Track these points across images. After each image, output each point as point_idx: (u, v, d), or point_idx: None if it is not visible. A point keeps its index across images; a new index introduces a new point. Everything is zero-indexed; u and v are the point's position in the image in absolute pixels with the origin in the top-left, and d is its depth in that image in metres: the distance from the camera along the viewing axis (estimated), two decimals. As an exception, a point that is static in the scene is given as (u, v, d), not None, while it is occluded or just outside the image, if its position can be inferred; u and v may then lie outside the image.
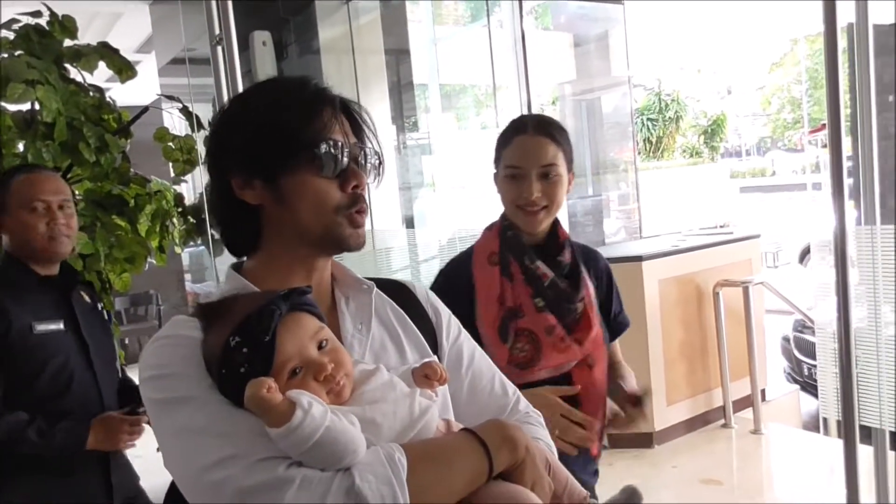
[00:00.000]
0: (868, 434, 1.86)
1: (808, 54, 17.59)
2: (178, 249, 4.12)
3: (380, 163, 0.94)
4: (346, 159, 0.88)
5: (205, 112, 3.45)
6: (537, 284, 1.41)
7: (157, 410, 0.81)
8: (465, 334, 1.07)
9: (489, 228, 1.50)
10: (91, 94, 3.26)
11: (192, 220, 3.83)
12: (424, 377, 0.85)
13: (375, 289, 0.98)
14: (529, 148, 1.41)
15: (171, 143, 3.42)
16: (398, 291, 1.04)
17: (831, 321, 4.35)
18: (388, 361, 0.92)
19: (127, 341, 7.37)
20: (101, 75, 3.40)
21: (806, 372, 4.76)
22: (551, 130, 1.43)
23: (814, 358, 4.74)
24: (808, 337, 4.76)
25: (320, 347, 0.79)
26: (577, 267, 1.46)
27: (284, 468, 0.72)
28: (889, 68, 1.93)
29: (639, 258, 3.74)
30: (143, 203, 3.45)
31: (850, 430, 1.37)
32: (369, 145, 0.93)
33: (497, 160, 1.48)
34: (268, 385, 0.73)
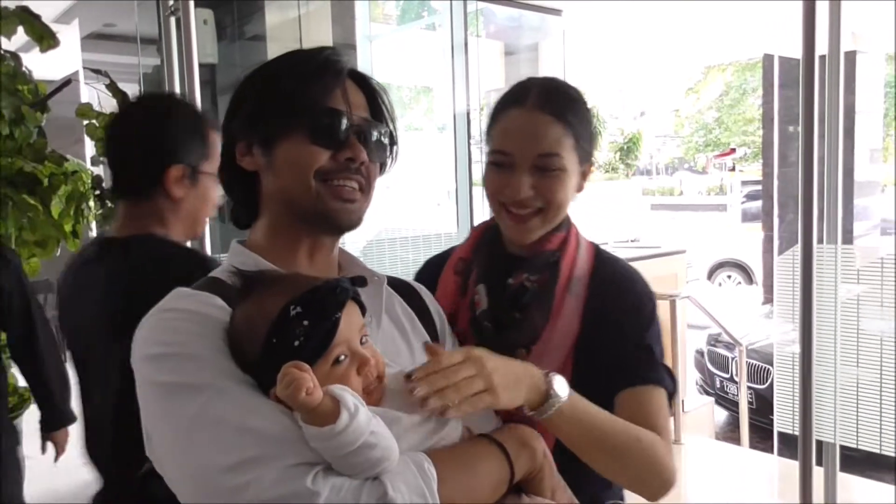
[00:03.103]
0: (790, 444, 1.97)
1: (724, 83, 18.64)
2: (92, 234, 3.85)
3: (391, 143, 0.90)
4: (343, 129, 0.83)
5: (130, 91, 3.23)
6: (472, 313, 1.06)
7: (162, 395, 0.71)
8: (457, 345, 1.02)
9: (479, 225, 1.16)
10: (6, 61, 2.99)
11: (110, 204, 3.58)
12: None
13: (386, 282, 0.93)
14: (524, 128, 1.00)
15: (94, 121, 3.18)
16: (407, 290, 1.00)
17: (746, 334, 4.58)
18: (398, 360, 0.86)
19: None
20: (12, 45, 3.13)
21: (718, 384, 4.98)
22: (560, 105, 1.02)
23: (725, 371, 4.97)
24: (722, 351, 4.99)
25: (361, 342, 0.75)
26: (543, 298, 1.02)
27: (312, 478, 0.65)
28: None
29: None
30: (58, 183, 3.20)
31: (808, 447, 1.41)
32: (382, 126, 0.88)
33: (486, 140, 1.08)
34: (308, 386, 0.65)
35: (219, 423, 0.68)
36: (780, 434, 1.51)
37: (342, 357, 0.72)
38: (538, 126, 1.00)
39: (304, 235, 0.86)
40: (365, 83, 0.89)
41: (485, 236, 1.13)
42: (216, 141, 1.28)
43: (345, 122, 0.83)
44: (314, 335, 0.70)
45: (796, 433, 1.47)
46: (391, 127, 0.90)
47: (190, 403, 0.69)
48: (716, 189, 18.80)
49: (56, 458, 2.32)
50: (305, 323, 0.70)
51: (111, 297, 1.19)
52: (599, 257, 1.10)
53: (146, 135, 1.26)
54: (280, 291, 0.72)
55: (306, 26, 3.09)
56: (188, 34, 1.66)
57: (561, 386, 0.88)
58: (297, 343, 0.69)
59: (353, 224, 0.86)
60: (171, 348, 0.73)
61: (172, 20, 1.69)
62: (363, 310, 0.77)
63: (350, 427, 0.65)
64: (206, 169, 1.29)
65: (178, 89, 1.72)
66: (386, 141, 0.88)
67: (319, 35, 3.22)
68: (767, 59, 7.28)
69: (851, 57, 5.65)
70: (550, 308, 1.03)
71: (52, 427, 2.32)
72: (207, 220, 1.36)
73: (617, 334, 1.03)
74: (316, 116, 0.82)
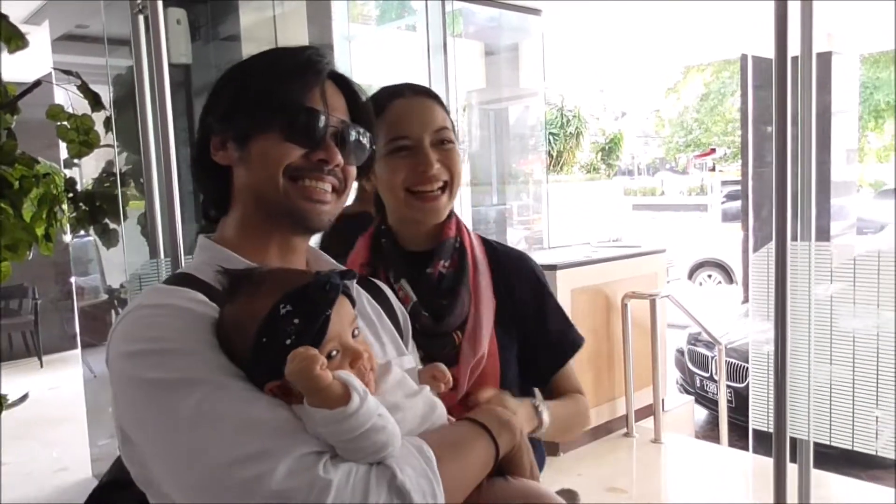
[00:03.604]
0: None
1: (703, 83, 18.80)
2: (66, 238, 3.79)
3: (367, 147, 0.89)
4: (319, 129, 0.82)
5: (103, 93, 3.18)
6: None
7: (152, 392, 0.69)
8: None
9: (362, 235, 1.21)
10: (-27, 61, 2.93)
11: (83, 207, 3.53)
12: (432, 378, 0.85)
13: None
14: (414, 110, 1.09)
15: (66, 122, 3.13)
16: (371, 287, 1.00)
17: (726, 333, 4.61)
18: None
19: (-3, 337, 6.73)
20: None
21: (698, 383, 5.01)
22: (431, 92, 1.15)
23: (705, 370, 5.01)
24: (702, 350, 5.02)
25: (353, 335, 0.75)
26: (459, 280, 1.11)
27: (323, 466, 0.64)
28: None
29: (553, 267, 3.80)
30: (30, 186, 3.13)
31: (781, 444, 1.41)
32: (360, 128, 0.87)
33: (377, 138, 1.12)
34: (321, 361, 0.66)
35: (220, 417, 0.66)
36: (755, 431, 1.52)
37: (334, 352, 0.72)
38: (425, 107, 1.11)
39: (274, 232, 0.86)
40: (345, 85, 0.89)
41: (376, 242, 1.17)
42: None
43: (322, 123, 0.82)
44: (305, 333, 0.69)
45: (771, 430, 1.47)
46: (370, 130, 0.90)
47: (185, 399, 0.67)
48: (696, 189, 18.97)
49: None
50: (296, 321, 0.69)
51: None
52: (483, 239, 1.21)
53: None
54: (269, 290, 0.72)
55: (282, 26, 3.06)
56: (157, 32, 1.63)
57: (547, 414, 1.03)
58: (288, 342, 0.68)
59: (321, 225, 0.85)
60: (156, 344, 0.71)
61: (141, 19, 1.65)
62: (353, 302, 0.77)
63: (361, 409, 0.66)
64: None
65: (148, 89, 1.69)
66: (365, 143, 0.88)
67: (295, 35, 3.19)
68: (744, 59, 7.34)
69: (827, 57, 5.72)
70: (469, 289, 1.12)
71: None
72: None
73: (530, 305, 1.17)
74: (293, 114, 0.81)
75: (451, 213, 1.16)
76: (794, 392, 1.46)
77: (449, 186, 1.10)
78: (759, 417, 1.52)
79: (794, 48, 1.53)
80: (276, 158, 0.81)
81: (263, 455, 0.64)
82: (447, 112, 1.13)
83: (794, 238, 1.48)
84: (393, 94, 1.12)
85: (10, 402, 3.47)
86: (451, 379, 0.86)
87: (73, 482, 3.89)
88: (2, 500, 3.44)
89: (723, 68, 17.06)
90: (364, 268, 1.14)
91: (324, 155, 0.83)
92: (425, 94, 1.13)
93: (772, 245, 1.44)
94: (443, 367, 0.87)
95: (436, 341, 1.08)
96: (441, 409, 0.81)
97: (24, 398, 3.49)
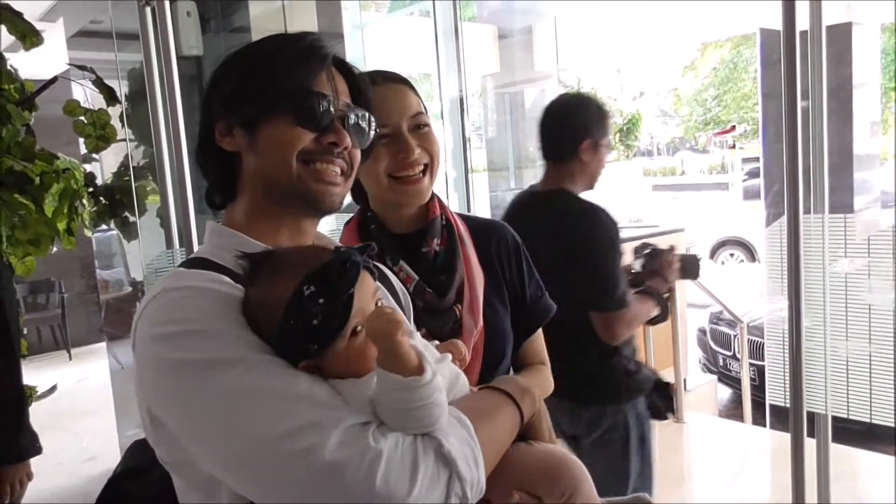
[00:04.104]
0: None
1: (721, 59, 18.48)
2: (87, 232, 3.85)
3: (369, 130, 0.90)
4: (329, 114, 0.84)
5: (120, 88, 3.22)
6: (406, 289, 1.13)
7: (190, 373, 0.70)
8: None
9: (348, 222, 1.23)
10: (-10, 60, 2.97)
11: (104, 201, 3.58)
12: (448, 353, 0.86)
13: None
14: (390, 98, 1.10)
15: (82, 118, 3.17)
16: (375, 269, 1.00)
17: (748, 311, 4.56)
18: None
19: (26, 331, 6.86)
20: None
21: (721, 362, 4.98)
22: (405, 79, 1.16)
23: (728, 349, 4.97)
24: (724, 329, 4.98)
25: (376, 306, 0.77)
26: (453, 255, 1.15)
27: (372, 436, 0.67)
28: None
29: (569, 250, 3.78)
30: (50, 181, 3.18)
31: (798, 418, 1.40)
32: (362, 111, 0.89)
33: None
34: (405, 328, 0.68)
35: (264, 391, 0.67)
36: (773, 407, 1.50)
37: (359, 328, 0.73)
38: (400, 93, 1.12)
39: (285, 216, 0.87)
40: (346, 70, 0.90)
41: (364, 228, 1.19)
42: (610, 124, 1.76)
43: (330, 106, 0.84)
44: (331, 313, 0.70)
45: (788, 406, 1.46)
46: (371, 113, 0.91)
47: (226, 377, 0.68)
48: (717, 167, 18.71)
49: (4, 502, 1.91)
50: (321, 301, 0.70)
51: (539, 237, 1.56)
52: (459, 214, 1.25)
53: (573, 118, 1.93)
54: (291, 271, 0.72)
55: (290, 16, 3.06)
56: (164, 25, 1.64)
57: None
58: (315, 322, 0.69)
59: (333, 207, 0.87)
60: (188, 325, 0.72)
61: (148, 10, 1.66)
62: (373, 274, 0.78)
63: (432, 382, 0.68)
64: (603, 143, 1.89)
65: (157, 82, 1.70)
66: (365, 126, 0.89)
67: (304, 25, 3.19)
68: (763, 33, 7.20)
69: (846, 29, 5.57)
70: (462, 264, 1.15)
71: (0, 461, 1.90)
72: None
73: (513, 272, 1.23)
74: (302, 99, 0.82)
75: (433, 194, 1.19)
76: (810, 366, 1.44)
77: (429, 168, 1.13)
78: (776, 393, 1.51)
79: (807, 21, 1.51)
80: (289, 143, 0.82)
81: (314, 426, 0.65)
82: (419, 96, 1.15)
83: (808, 212, 1.46)
84: None
85: (39, 393, 3.55)
86: (467, 356, 0.88)
87: (101, 471, 3.98)
88: (30, 492, 3.52)
89: (741, 43, 16.76)
90: None
91: (334, 138, 0.84)
92: (397, 80, 1.14)
93: (784, 219, 1.42)
94: (459, 342, 0.90)
95: (440, 317, 1.11)
96: (463, 378, 0.84)
97: (52, 390, 3.57)
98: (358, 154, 0.89)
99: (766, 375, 1.55)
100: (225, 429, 0.68)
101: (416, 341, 0.73)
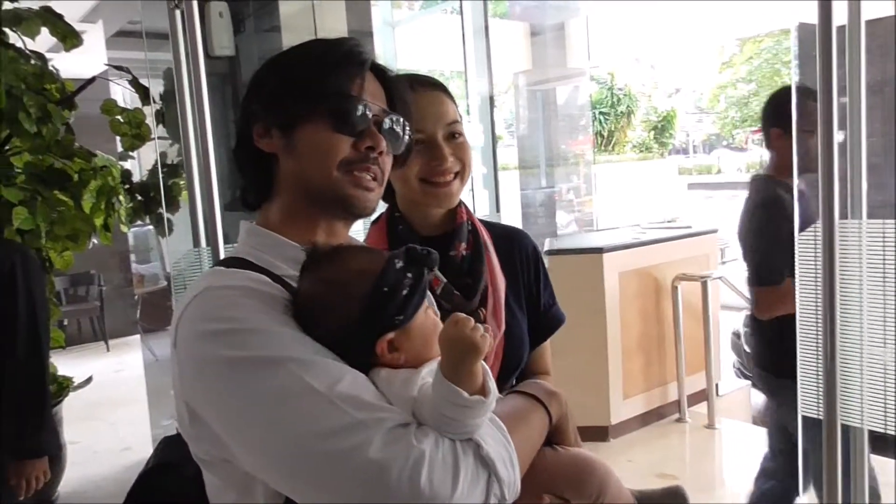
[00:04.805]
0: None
1: (756, 53, 18.08)
2: (123, 228, 3.93)
3: (403, 136, 0.91)
4: (365, 118, 0.85)
5: (155, 87, 3.27)
6: (433, 291, 1.13)
7: (236, 370, 0.70)
8: None
9: (375, 222, 1.23)
10: (32, 61, 3.05)
11: (139, 197, 3.65)
12: None
13: None
14: (427, 105, 1.11)
15: (119, 117, 3.23)
16: None
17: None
18: None
19: (66, 322, 7.05)
20: (42, 46, 3.18)
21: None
22: (442, 86, 1.17)
23: (762, 353, 4.85)
24: (758, 332, 4.87)
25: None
26: (479, 260, 1.16)
27: (415, 438, 0.67)
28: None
29: (599, 250, 3.74)
30: (88, 178, 3.26)
31: (832, 435, 1.36)
32: (397, 116, 0.90)
33: None
34: (489, 349, 0.70)
35: (308, 391, 0.68)
36: (805, 419, 1.46)
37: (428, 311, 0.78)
38: (438, 101, 1.13)
39: (320, 218, 0.88)
40: (383, 75, 0.91)
41: (391, 228, 1.19)
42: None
43: (366, 111, 0.85)
44: (416, 290, 0.74)
45: (821, 417, 1.42)
46: (406, 118, 0.92)
47: (271, 376, 0.69)
48: (756, 166, 18.31)
49: (21, 496, 1.90)
50: (409, 275, 0.74)
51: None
52: (482, 220, 1.26)
53: (765, 108, 2.23)
54: (371, 252, 0.78)
55: (320, 14, 3.08)
56: (192, 25, 1.66)
57: None
58: (404, 293, 0.73)
59: (368, 211, 0.88)
60: (234, 324, 0.72)
61: (178, 13, 1.69)
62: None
63: (491, 405, 0.70)
64: (794, 130, 1.86)
65: (186, 82, 1.73)
66: (400, 131, 0.90)
67: (334, 24, 3.20)
68: (802, 28, 7.02)
69: (890, 23, 5.39)
70: (487, 269, 1.16)
71: (20, 455, 1.90)
72: None
73: (531, 280, 1.24)
74: (339, 103, 0.84)
75: (460, 200, 1.21)
76: (845, 378, 1.40)
77: (460, 174, 1.15)
78: (809, 404, 1.46)
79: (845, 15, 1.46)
80: (329, 152, 0.84)
81: (358, 426, 0.66)
82: (456, 104, 1.16)
83: (844, 216, 1.42)
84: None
85: (75, 385, 3.64)
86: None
87: (136, 461, 4.07)
88: (66, 479, 3.61)
89: (780, 38, 16.37)
90: None
91: (370, 142, 0.85)
92: (436, 86, 1.15)
93: (819, 224, 1.38)
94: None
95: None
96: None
97: (88, 381, 3.66)
98: (391, 160, 0.90)
99: (799, 387, 1.50)
100: (270, 427, 0.68)
101: None
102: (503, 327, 1.15)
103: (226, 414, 0.72)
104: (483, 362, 0.71)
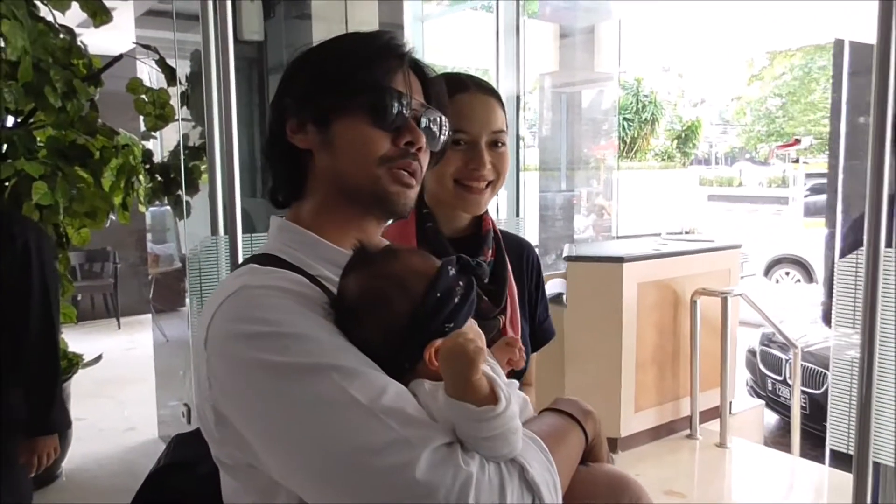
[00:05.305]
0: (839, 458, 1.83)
1: (789, 69, 17.85)
2: (142, 208, 3.92)
3: (443, 134, 0.89)
4: (404, 113, 0.82)
5: (183, 68, 3.25)
6: None
7: (277, 376, 0.67)
8: None
9: (401, 220, 1.19)
10: (61, 35, 3.04)
11: (159, 178, 3.63)
12: (507, 345, 0.86)
13: None
14: (477, 108, 1.12)
15: (143, 96, 3.22)
16: None
17: (803, 335, 4.37)
18: None
19: (80, 297, 7.08)
20: (72, 21, 3.17)
21: (769, 387, 4.79)
22: (496, 92, 1.17)
23: (779, 373, 4.77)
24: (775, 351, 4.79)
25: None
26: (503, 267, 1.17)
27: (462, 459, 0.64)
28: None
29: (620, 259, 3.67)
30: (109, 156, 3.25)
31: (863, 473, 1.30)
32: (436, 112, 0.87)
33: None
34: (486, 357, 0.67)
35: (352, 403, 0.65)
36: (833, 452, 1.40)
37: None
38: (488, 106, 1.13)
39: (354, 217, 0.85)
40: (421, 71, 0.88)
41: (421, 225, 1.17)
42: None
43: (406, 105, 0.82)
44: (467, 299, 0.72)
45: (850, 452, 1.36)
46: (444, 115, 0.89)
47: (314, 384, 0.66)
48: (778, 181, 18.11)
49: (31, 473, 1.92)
50: (461, 284, 0.73)
51: None
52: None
53: None
54: (422, 256, 0.76)
55: (352, 6, 3.04)
56: (223, 9, 1.62)
57: None
58: (456, 300, 0.71)
59: (406, 210, 0.85)
60: (274, 327, 0.69)
61: (209, -4, 1.66)
62: None
63: (507, 411, 0.66)
64: None
65: (214, 65, 1.69)
66: (437, 129, 0.87)
67: (365, 15, 3.16)
68: (838, 44, 6.88)
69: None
70: (510, 276, 1.17)
71: (31, 432, 1.91)
72: None
73: (532, 291, 1.26)
74: (378, 96, 0.81)
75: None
76: (878, 414, 1.34)
77: (494, 183, 1.15)
78: (839, 438, 1.40)
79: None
80: (370, 149, 0.81)
81: (404, 444, 0.63)
82: (505, 113, 1.16)
83: (889, 244, 1.35)
84: (458, 87, 1.12)
85: (84, 362, 3.64)
86: (523, 347, 0.87)
87: (140, 441, 4.07)
88: (70, 456, 3.62)
89: (813, 54, 16.13)
90: None
91: (410, 137, 0.82)
92: (489, 92, 1.15)
93: (861, 251, 1.31)
94: (514, 336, 0.94)
95: (489, 324, 1.10)
96: (528, 401, 0.85)
97: (97, 359, 3.66)
98: (427, 157, 0.87)
99: (828, 420, 1.44)
100: (309, 438, 0.65)
101: (485, 365, 0.69)
102: (519, 334, 1.15)
103: (260, 421, 0.69)
104: (493, 373, 0.69)
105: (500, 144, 1.13)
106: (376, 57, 0.83)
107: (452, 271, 0.73)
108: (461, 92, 1.11)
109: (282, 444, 0.67)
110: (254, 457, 0.71)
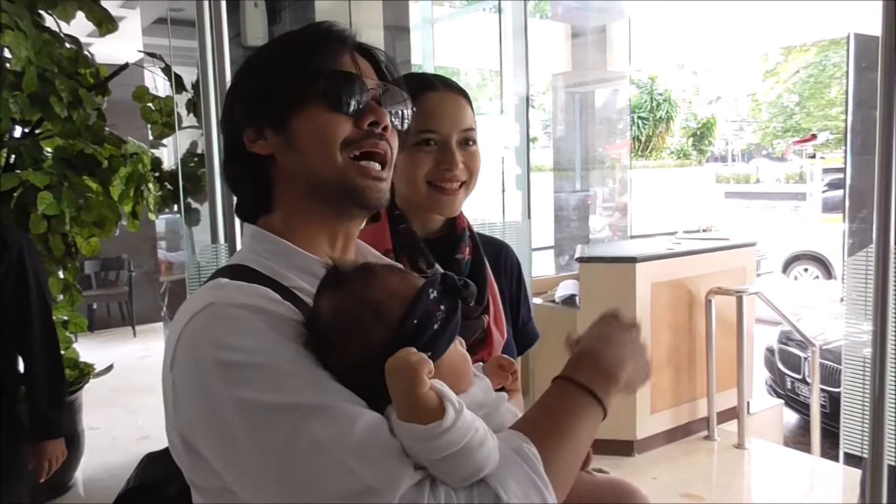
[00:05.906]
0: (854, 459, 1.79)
1: (804, 67, 17.63)
2: (151, 216, 3.93)
3: (407, 105, 0.85)
4: (359, 93, 0.79)
5: (189, 76, 3.26)
6: None
7: (245, 414, 0.64)
8: None
9: (372, 221, 1.16)
10: (67, 45, 3.05)
11: (168, 186, 3.64)
12: (499, 367, 0.83)
13: None
14: (446, 106, 1.09)
15: (150, 104, 3.23)
16: None
17: (822, 333, 4.29)
18: None
19: (95, 306, 7.14)
20: (79, 31, 3.19)
21: (789, 385, 4.71)
22: (464, 90, 1.14)
23: (797, 371, 4.69)
24: (794, 350, 4.70)
25: None
26: (482, 265, 1.15)
27: (428, 492, 0.60)
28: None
29: (633, 259, 3.63)
30: (118, 165, 3.26)
31: (878, 467, 1.25)
32: (394, 88, 0.84)
33: None
34: (430, 369, 0.61)
35: (316, 450, 0.61)
36: (847, 455, 1.36)
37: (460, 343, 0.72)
38: (457, 105, 1.10)
39: (326, 218, 0.82)
40: (368, 53, 0.85)
41: (395, 226, 1.14)
42: None
43: (361, 86, 0.80)
44: (448, 323, 0.67)
45: (865, 455, 1.31)
46: (403, 90, 0.86)
47: (278, 427, 0.63)
48: (795, 177, 17.87)
49: (40, 478, 1.94)
50: (442, 307, 0.68)
51: None
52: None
53: None
54: (401, 276, 0.71)
55: (356, 9, 3.02)
56: (218, 15, 1.62)
57: None
58: (435, 327, 0.66)
59: (380, 202, 0.81)
60: (242, 356, 0.66)
61: (206, 1, 1.64)
62: None
63: (457, 423, 0.60)
64: None
65: (211, 70, 1.68)
66: (398, 107, 0.84)
67: (370, 18, 3.15)
68: (857, 38, 6.77)
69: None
70: (489, 274, 1.15)
71: (37, 436, 1.92)
72: None
73: (513, 293, 1.25)
74: (332, 81, 0.78)
75: None
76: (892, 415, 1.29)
77: (466, 184, 1.12)
78: (852, 441, 1.35)
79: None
80: (330, 134, 0.78)
81: (368, 493, 0.60)
82: (473, 112, 1.14)
83: (902, 240, 1.30)
84: (425, 86, 1.10)
85: (96, 372, 3.65)
86: (517, 369, 0.83)
87: (154, 450, 4.07)
88: (83, 465, 3.63)
89: (828, 48, 15.91)
90: (388, 253, 1.11)
91: (373, 117, 0.79)
92: (457, 90, 1.13)
93: (871, 248, 1.27)
94: (508, 357, 0.88)
95: (473, 324, 1.08)
96: (505, 405, 0.77)
97: (108, 369, 3.67)
98: (396, 139, 0.84)
99: (841, 424, 1.39)
100: (275, 482, 0.63)
101: (435, 380, 0.65)
102: (505, 335, 1.13)
103: (228, 456, 0.66)
104: (441, 383, 0.63)
105: (470, 143, 1.11)
106: (320, 45, 0.81)
107: (434, 294, 0.68)
108: (429, 90, 1.09)
109: (247, 483, 0.66)
110: (228, 481, 0.69)
